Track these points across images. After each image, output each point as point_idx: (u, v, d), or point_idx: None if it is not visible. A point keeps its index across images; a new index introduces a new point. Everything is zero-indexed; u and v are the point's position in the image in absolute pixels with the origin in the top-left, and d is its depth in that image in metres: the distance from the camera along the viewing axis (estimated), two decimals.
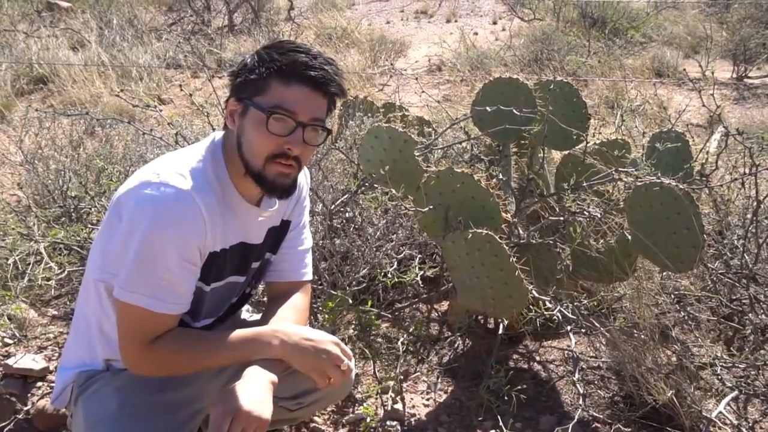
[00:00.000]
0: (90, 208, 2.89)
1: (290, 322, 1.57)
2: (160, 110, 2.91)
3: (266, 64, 1.40)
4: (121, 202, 1.39)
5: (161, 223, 1.34)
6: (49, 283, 2.63)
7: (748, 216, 2.44)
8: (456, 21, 9.11)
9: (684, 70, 3.92)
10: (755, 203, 2.34)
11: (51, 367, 2.40)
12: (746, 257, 2.38)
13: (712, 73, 3.83)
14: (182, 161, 1.42)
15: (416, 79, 4.90)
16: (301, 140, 1.40)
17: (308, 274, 1.71)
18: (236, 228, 1.50)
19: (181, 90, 3.02)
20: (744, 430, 2.05)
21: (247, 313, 1.86)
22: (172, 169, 1.39)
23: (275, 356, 1.46)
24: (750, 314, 2.27)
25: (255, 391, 1.37)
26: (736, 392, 2.07)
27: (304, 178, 1.70)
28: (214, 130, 1.61)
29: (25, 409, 2.19)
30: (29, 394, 2.29)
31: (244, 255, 1.54)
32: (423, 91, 3.54)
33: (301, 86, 1.39)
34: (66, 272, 2.69)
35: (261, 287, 2.28)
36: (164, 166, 1.40)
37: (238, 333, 1.48)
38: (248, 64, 1.43)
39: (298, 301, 1.65)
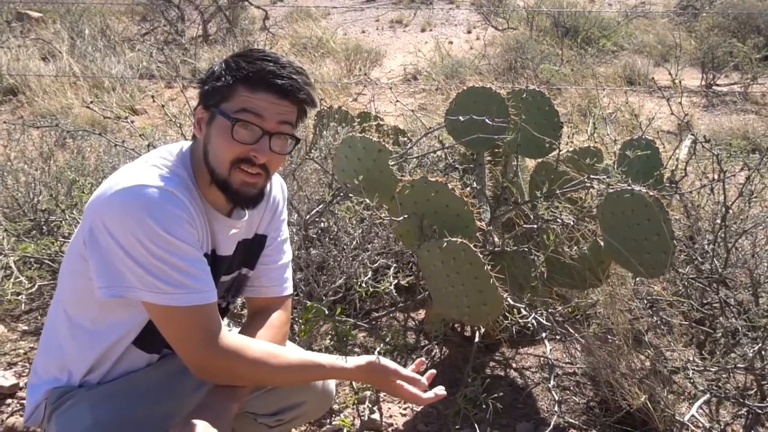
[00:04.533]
0: (61, 221, 2.85)
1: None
2: (132, 121, 2.88)
3: (233, 72, 1.39)
4: (101, 215, 1.32)
5: (156, 220, 1.30)
6: (19, 297, 2.58)
7: (718, 221, 2.48)
8: (431, 30, 9.18)
9: (652, 78, 3.99)
10: (724, 209, 2.38)
11: (21, 384, 2.35)
12: (716, 262, 2.42)
13: (680, 81, 3.90)
14: (152, 168, 1.39)
15: (390, 88, 4.91)
16: (267, 148, 1.39)
17: (288, 288, 1.70)
18: (208, 235, 1.48)
19: (153, 101, 3.00)
20: None
21: (226, 327, 1.84)
22: (145, 173, 1.36)
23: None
24: (721, 318, 2.31)
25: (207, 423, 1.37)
26: (708, 395, 2.09)
27: (280, 192, 1.68)
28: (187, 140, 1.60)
29: None
30: None
31: (213, 265, 1.51)
32: (397, 101, 3.56)
33: (267, 94, 1.38)
34: (36, 286, 2.65)
35: (240, 301, 2.26)
36: (135, 173, 1.36)
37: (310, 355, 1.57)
38: (216, 71, 1.42)
39: (277, 319, 1.63)
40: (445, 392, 1.60)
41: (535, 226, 2.45)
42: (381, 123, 3.02)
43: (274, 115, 1.39)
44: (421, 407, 2.36)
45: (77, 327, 1.45)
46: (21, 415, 2.15)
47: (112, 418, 1.42)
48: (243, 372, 1.44)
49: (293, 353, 1.55)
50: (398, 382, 1.57)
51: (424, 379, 1.60)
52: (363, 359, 1.56)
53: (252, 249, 1.63)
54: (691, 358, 2.17)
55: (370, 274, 2.49)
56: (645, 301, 2.46)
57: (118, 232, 1.31)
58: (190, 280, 1.35)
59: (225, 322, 1.81)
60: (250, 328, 1.59)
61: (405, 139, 3.02)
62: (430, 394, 1.58)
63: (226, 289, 1.63)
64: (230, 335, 1.44)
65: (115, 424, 1.42)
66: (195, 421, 1.35)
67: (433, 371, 1.63)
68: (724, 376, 2.25)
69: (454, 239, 2.07)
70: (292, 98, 1.40)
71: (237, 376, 1.45)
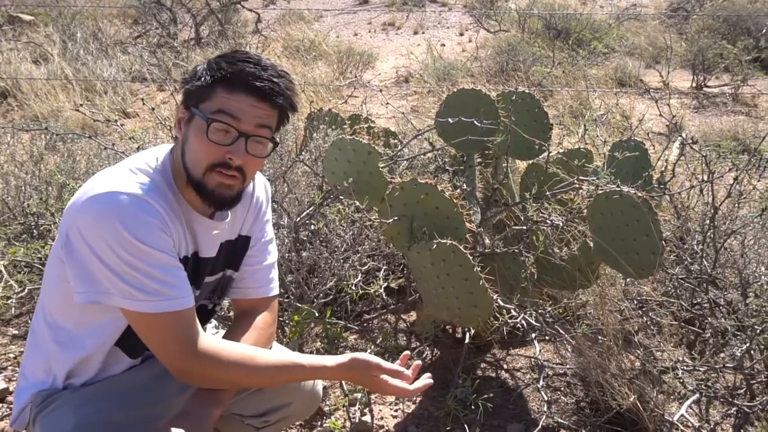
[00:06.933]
0: (51, 225, 2.84)
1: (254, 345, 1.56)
2: (122, 124, 2.87)
3: (213, 72, 1.38)
4: (75, 221, 1.33)
5: (128, 228, 1.29)
6: (9, 302, 2.57)
7: (707, 222, 2.50)
8: (423, 33, 9.20)
9: (641, 80, 4.02)
10: (712, 209, 2.40)
11: (11, 388, 2.34)
12: (705, 262, 2.44)
13: (668, 84, 3.92)
14: (128, 173, 1.38)
15: (380, 90, 4.92)
16: (243, 150, 1.38)
17: (274, 289, 1.68)
18: (189, 238, 1.47)
19: (143, 104, 2.99)
20: None
21: (213, 329, 1.83)
22: (119, 179, 1.35)
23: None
24: (710, 318, 2.32)
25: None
26: (697, 395, 2.10)
27: (264, 192, 1.67)
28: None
29: None
30: None
31: (196, 267, 1.51)
32: (388, 103, 3.56)
33: (245, 96, 1.37)
34: (26, 290, 2.64)
35: (227, 302, 2.26)
36: (110, 179, 1.35)
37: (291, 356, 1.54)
38: (197, 71, 1.41)
39: (263, 321, 1.62)
40: (431, 380, 1.57)
41: (525, 227, 2.46)
42: (372, 125, 3.02)
43: (251, 117, 1.38)
44: (413, 408, 2.36)
45: (60, 330, 1.45)
46: None
47: (95, 420, 1.41)
48: (221, 376, 1.43)
49: (272, 355, 1.52)
50: (382, 376, 1.54)
51: (408, 372, 1.56)
52: (344, 357, 1.53)
53: (235, 250, 1.61)
54: (680, 358, 2.18)
55: (360, 276, 2.49)
56: (635, 302, 2.47)
57: (91, 239, 1.30)
58: (164, 287, 1.34)
59: (212, 324, 1.81)
60: (235, 330, 1.58)
61: (396, 141, 3.02)
62: (417, 383, 1.55)
63: (211, 291, 1.62)
64: (208, 340, 1.42)
65: (98, 426, 1.41)
66: (173, 430, 1.34)
67: (419, 362, 1.60)
68: (713, 375, 2.26)
69: (444, 241, 2.08)
70: (271, 102, 1.39)
71: (216, 380, 1.45)
